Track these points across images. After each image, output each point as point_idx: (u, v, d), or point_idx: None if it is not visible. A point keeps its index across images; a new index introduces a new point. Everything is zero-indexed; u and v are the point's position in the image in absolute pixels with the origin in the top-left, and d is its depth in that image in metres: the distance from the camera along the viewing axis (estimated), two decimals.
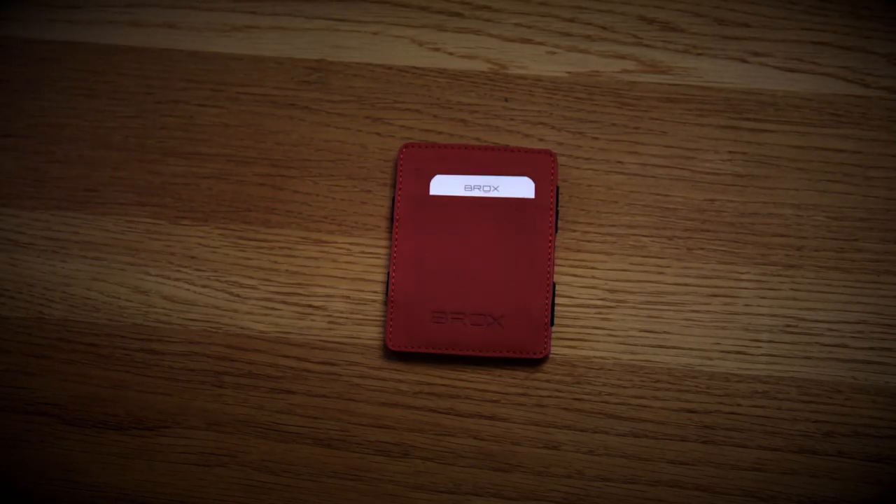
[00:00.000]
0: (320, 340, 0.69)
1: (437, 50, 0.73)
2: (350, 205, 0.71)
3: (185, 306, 0.70)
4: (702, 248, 0.69)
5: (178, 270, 0.70)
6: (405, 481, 0.67)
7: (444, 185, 0.69)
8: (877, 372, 0.67)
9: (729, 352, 0.68)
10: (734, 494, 0.66)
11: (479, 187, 0.69)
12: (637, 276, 0.69)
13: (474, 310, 0.67)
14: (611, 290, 0.69)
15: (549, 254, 0.68)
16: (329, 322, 0.69)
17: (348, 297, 0.69)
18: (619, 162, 0.71)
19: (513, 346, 0.67)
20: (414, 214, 0.69)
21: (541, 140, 0.71)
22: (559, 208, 0.69)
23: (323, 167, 0.72)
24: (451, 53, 0.73)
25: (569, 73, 0.72)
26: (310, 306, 0.70)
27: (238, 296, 0.70)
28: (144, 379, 0.69)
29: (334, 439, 0.68)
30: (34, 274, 0.71)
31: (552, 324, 0.67)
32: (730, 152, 0.71)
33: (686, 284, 0.69)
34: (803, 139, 0.71)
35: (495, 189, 0.69)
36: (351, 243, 0.70)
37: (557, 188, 0.69)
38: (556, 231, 0.69)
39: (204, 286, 0.70)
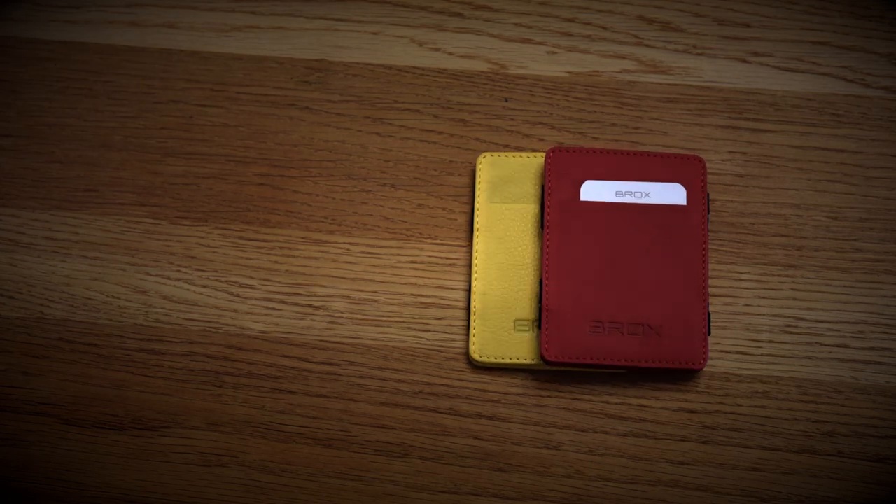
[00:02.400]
0: (320, 340, 0.69)
1: (437, 50, 0.73)
2: (350, 205, 0.71)
3: (186, 306, 0.70)
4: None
5: (178, 270, 0.70)
6: (405, 481, 0.67)
7: (595, 191, 0.67)
8: (877, 372, 0.67)
9: (729, 352, 0.68)
10: (734, 494, 0.66)
11: (630, 193, 0.67)
12: None
13: (632, 320, 0.66)
14: None
15: (704, 261, 0.66)
16: (329, 322, 0.69)
17: (348, 297, 0.69)
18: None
19: (671, 357, 0.65)
20: (564, 220, 0.67)
21: (540, 140, 0.71)
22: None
23: (323, 167, 0.72)
24: (451, 53, 0.73)
25: (569, 72, 0.73)
26: (310, 306, 0.70)
27: (238, 296, 0.70)
28: (144, 379, 0.69)
29: (334, 439, 0.68)
30: (34, 274, 0.71)
31: (709, 333, 0.67)
32: (730, 152, 0.71)
33: None
34: (803, 139, 0.71)
35: (647, 195, 0.67)
36: (351, 243, 0.70)
37: (708, 195, 0.68)
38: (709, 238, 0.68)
39: (204, 286, 0.70)
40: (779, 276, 0.69)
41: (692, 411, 0.67)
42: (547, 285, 0.66)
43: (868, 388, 0.67)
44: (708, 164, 0.70)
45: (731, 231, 0.69)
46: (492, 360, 0.67)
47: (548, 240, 0.67)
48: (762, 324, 0.68)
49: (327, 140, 0.72)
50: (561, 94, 0.72)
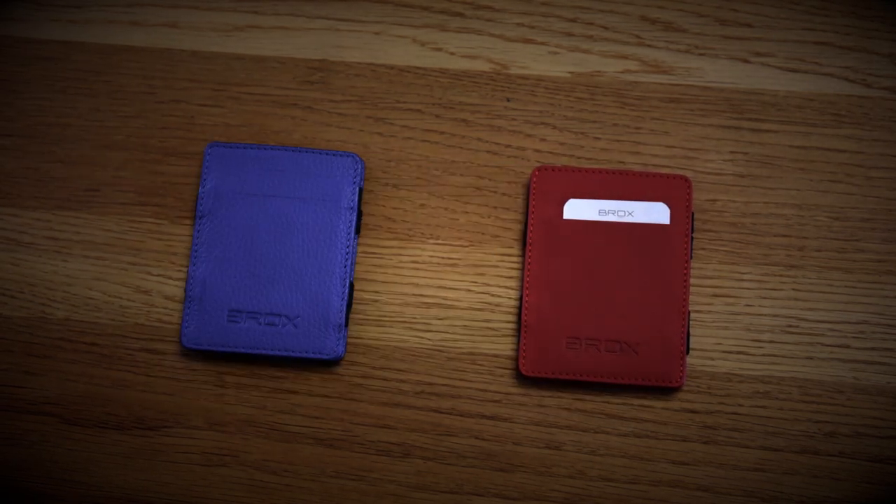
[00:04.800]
0: None
1: (439, 50, 0.73)
2: None
3: None
4: (703, 249, 0.69)
5: (180, 270, 0.70)
6: (407, 481, 0.67)
7: (578, 210, 0.68)
8: (878, 372, 0.67)
9: (730, 352, 0.68)
10: (736, 495, 0.66)
11: (613, 212, 0.68)
12: None
13: (609, 336, 0.66)
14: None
15: (686, 281, 0.67)
16: None
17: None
18: (621, 162, 0.71)
19: (648, 375, 0.66)
20: (546, 238, 0.68)
21: (542, 140, 0.71)
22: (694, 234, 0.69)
23: None
24: (452, 53, 0.73)
25: (571, 73, 0.72)
26: None
27: None
28: (146, 379, 0.69)
29: (336, 439, 0.68)
30: (36, 274, 0.71)
31: (688, 352, 0.67)
32: (731, 152, 0.71)
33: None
34: (805, 139, 0.71)
35: (630, 214, 0.68)
36: None
37: (693, 214, 0.68)
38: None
39: None
40: (780, 276, 0.69)
41: (693, 411, 0.67)
42: (527, 300, 0.67)
43: (869, 389, 0.67)
44: (709, 165, 0.70)
45: (732, 231, 0.69)
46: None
47: (530, 256, 0.68)
48: (763, 324, 0.68)
49: (329, 140, 0.72)
50: (563, 94, 0.72)
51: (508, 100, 0.72)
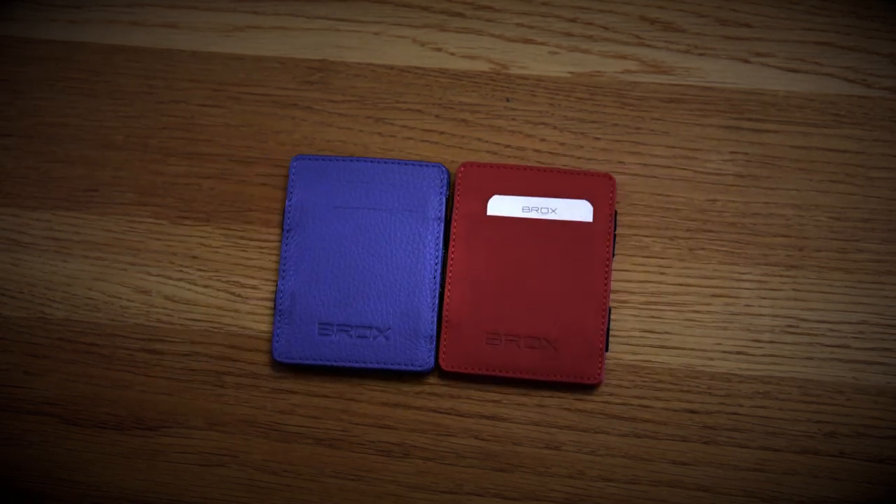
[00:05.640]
0: None
1: (439, 50, 0.73)
2: None
3: (187, 306, 0.70)
4: (703, 249, 0.69)
5: (179, 270, 0.70)
6: (406, 481, 0.67)
7: (502, 206, 0.68)
8: (878, 372, 0.67)
9: (730, 352, 0.68)
10: (736, 495, 0.66)
11: (536, 209, 0.68)
12: (638, 276, 0.69)
13: (529, 333, 0.67)
14: (612, 291, 0.69)
15: (606, 279, 0.67)
16: None
17: None
18: (621, 162, 0.71)
19: (567, 371, 0.66)
20: (470, 234, 0.68)
21: (542, 140, 0.71)
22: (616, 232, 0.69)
23: None
24: (452, 53, 0.73)
25: (570, 73, 0.72)
26: None
27: (239, 296, 0.70)
28: (146, 379, 0.69)
29: (335, 439, 0.68)
30: (36, 274, 0.71)
31: (607, 349, 0.67)
32: (731, 152, 0.71)
33: (687, 285, 0.69)
34: (805, 139, 0.71)
35: (553, 211, 0.68)
36: None
37: (616, 213, 0.69)
38: (614, 256, 0.69)
39: (205, 286, 0.70)
40: (780, 276, 0.69)
41: (693, 412, 0.67)
42: (448, 296, 0.67)
43: (869, 389, 0.67)
44: (709, 165, 0.70)
45: (732, 231, 0.69)
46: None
47: (452, 252, 0.68)
48: (763, 324, 0.68)
49: (329, 140, 0.72)
50: (563, 94, 0.72)
51: (508, 100, 0.72)
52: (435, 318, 0.67)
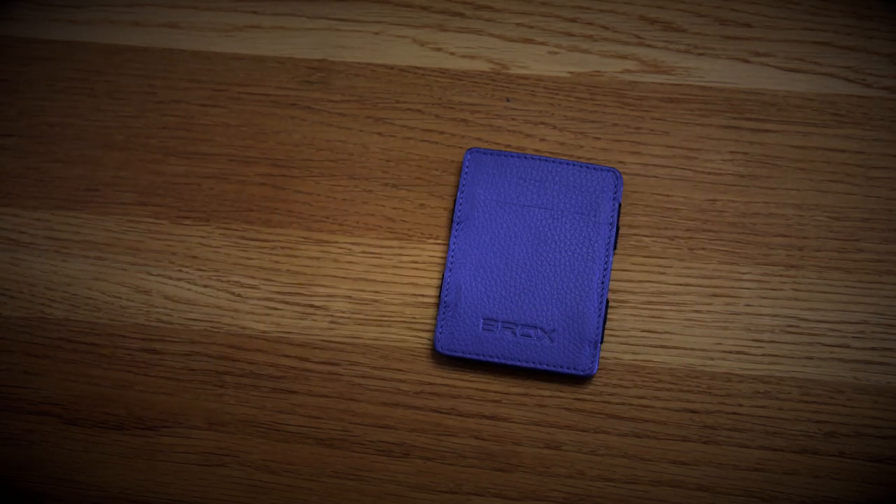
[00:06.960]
0: (321, 340, 0.69)
1: (439, 50, 0.73)
2: (352, 205, 0.71)
3: (187, 306, 0.70)
4: (703, 248, 0.69)
5: (179, 270, 0.70)
6: (406, 481, 0.67)
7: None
8: (878, 372, 0.67)
9: (730, 352, 0.68)
10: (736, 495, 0.66)
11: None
12: (638, 276, 0.69)
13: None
14: (612, 290, 0.69)
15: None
16: (330, 322, 0.69)
17: (350, 297, 0.70)
18: (621, 162, 0.71)
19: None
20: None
21: (542, 140, 0.71)
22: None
23: (324, 167, 0.72)
24: (452, 53, 0.73)
25: (570, 72, 0.73)
26: (311, 306, 0.70)
27: (239, 296, 0.70)
28: (146, 379, 0.69)
29: (335, 439, 0.68)
30: (36, 274, 0.71)
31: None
32: (731, 152, 0.71)
33: (687, 284, 0.69)
34: (805, 139, 0.71)
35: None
36: (352, 243, 0.70)
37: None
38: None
39: (205, 286, 0.70)
40: (780, 276, 0.69)
41: (693, 411, 0.67)
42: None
43: (869, 389, 0.67)
44: (709, 165, 0.70)
45: (732, 231, 0.69)
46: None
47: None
48: (763, 324, 0.68)
49: (329, 140, 0.72)
50: (563, 94, 0.72)
51: (508, 100, 0.72)
52: (601, 324, 0.67)
